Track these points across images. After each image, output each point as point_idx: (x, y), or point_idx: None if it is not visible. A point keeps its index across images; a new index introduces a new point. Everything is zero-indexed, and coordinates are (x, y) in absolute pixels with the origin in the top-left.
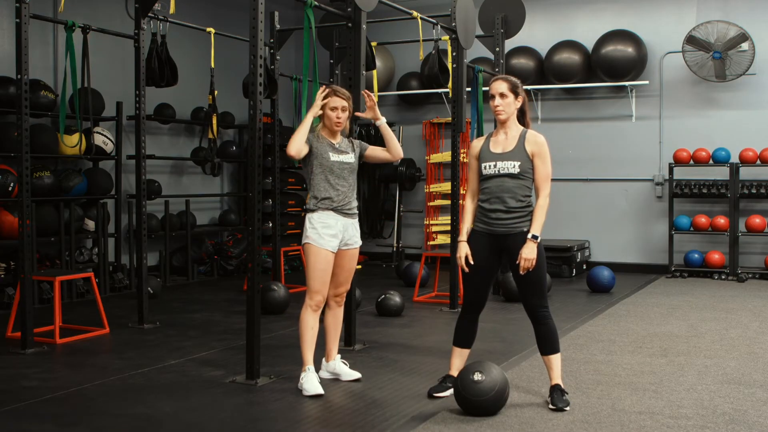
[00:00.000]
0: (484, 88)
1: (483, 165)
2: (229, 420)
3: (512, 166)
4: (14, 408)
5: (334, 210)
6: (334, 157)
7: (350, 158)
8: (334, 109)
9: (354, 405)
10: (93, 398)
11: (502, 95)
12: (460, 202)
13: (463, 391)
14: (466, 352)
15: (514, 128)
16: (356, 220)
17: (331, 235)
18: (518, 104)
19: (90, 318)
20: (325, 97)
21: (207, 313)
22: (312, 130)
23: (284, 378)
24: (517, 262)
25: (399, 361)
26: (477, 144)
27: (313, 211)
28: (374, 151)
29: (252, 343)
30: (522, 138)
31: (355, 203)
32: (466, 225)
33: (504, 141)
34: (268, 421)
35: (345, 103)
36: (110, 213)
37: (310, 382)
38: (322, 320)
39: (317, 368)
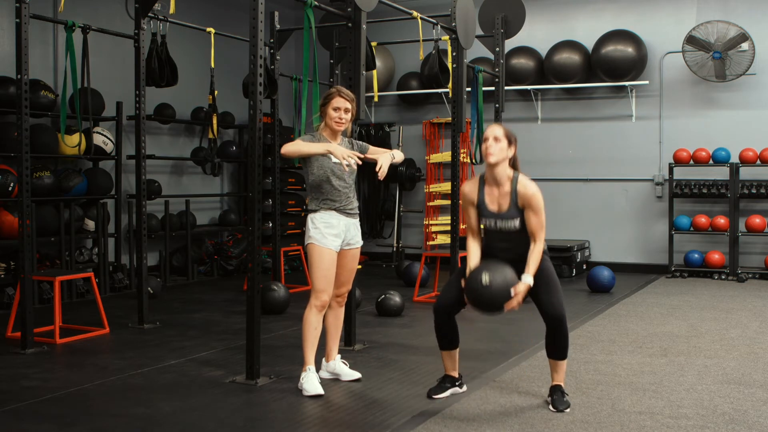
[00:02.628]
0: (485, 88)
1: (483, 220)
2: (228, 420)
3: (512, 225)
4: (14, 408)
5: (337, 210)
6: (335, 158)
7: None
8: (336, 109)
9: (354, 405)
10: (93, 398)
11: (496, 138)
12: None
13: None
14: (455, 351)
15: (505, 178)
16: (357, 219)
17: (334, 234)
18: (510, 153)
19: (90, 318)
20: (328, 97)
21: (207, 313)
22: (313, 129)
23: (284, 378)
24: (506, 307)
25: (399, 361)
26: (472, 191)
27: (315, 211)
28: (375, 153)
29: (252, 343)
30: (514, 194)
31: (356, 203)
32: (473, 262)
33: (498, 197)
34: (267, 421)
35: (348, 105)
36: (110, 213)
37: (311, 383)
38: (323, 319)
39: (317, 368)
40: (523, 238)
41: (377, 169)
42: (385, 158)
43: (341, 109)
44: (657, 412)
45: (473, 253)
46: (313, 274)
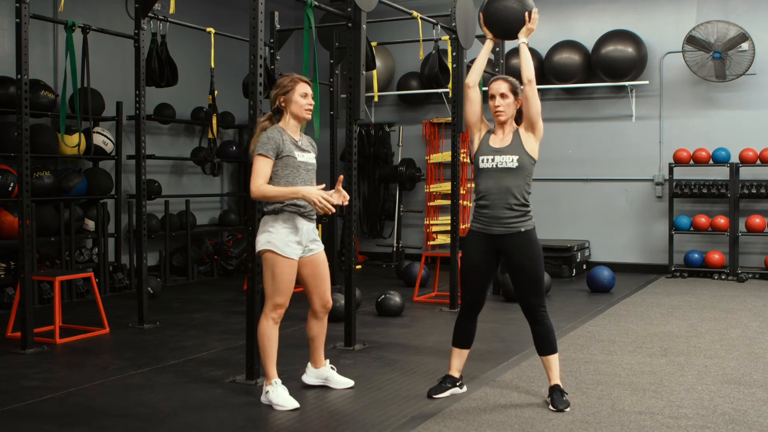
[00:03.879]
0: (484, 88)
1: (480, 158)
2: (228, 420)
3: (510, 161)
4: (14, 408)
5: (301, 215)
6: (299, 156)
7: (312, 158)
8: (304, 95)
9: (354, 405)
10: (93, 398)
11: (503, 95)
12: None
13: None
14: (465, 352)
15: (511, 127)
16: (315, 224)
17: (296, 242)
18: (517, 105)
19: (90, 318)
20: (290, 83)
21: (207, 313)
22: (272, 122)
23: (284, 378)
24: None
25: (399, 361)
26: (480, 130)
27: (276, 213)
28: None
29: (252, 343)
30: (517, 132)
31: None
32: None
33: (502, 138)
34: (268, 421)
35: (310, 89)
36: (110, 213)
37: (282, 397)
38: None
39: (301, 373)
40: (515, 187)
41: (340, 195)
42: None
43: (309, 94)
44: (657, 412)
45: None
46: (273, 286)
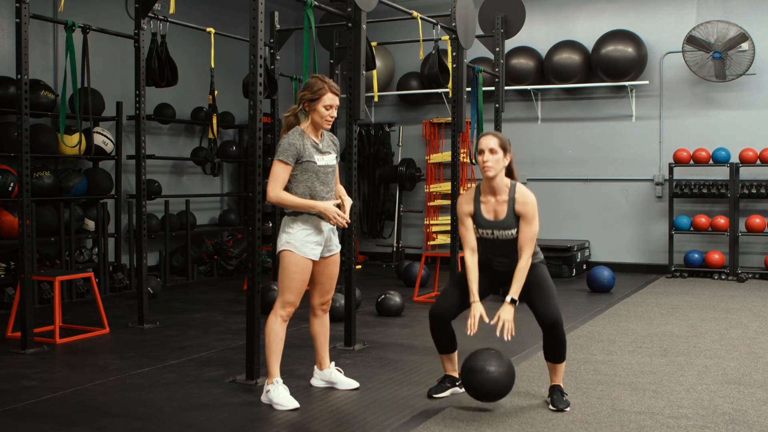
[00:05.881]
0: (485, 88)
1: (480, 231)
2: (229, 420)
3: (509, 234)
4: (14, 408)
5: (319, 216)
6: (320, 160)
7: (333, 159)
8: (328, 107)
9: (354, 404)
10: (93, 398)
11: (492, 151)
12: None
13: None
14: (453, 354)
15: (503, 187)
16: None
17: (315, 242)
18: (506, 161)
19: (90, 318)
20: (319, 92)
21: (207, 313)
22: (292, 125)
23: (284, 378)
24: (494, 322)
25: (399, 361)
26: (468, 202)
27: (296, 215)
28: (340, 192)
29: (252, 343)
30: (512, 202)
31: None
32: (474, 285)
33: (495, 206)
34: (268, 421)
35: (338, 101)
36: (110, 213)
37: (282, 396)
38: (310, 328)
39: (302, 373)
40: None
41: (343, 204)
42: (348, 202)
43: (333, 107)
44: (657, 412)
45: (472, 270)
46: (286, 285)
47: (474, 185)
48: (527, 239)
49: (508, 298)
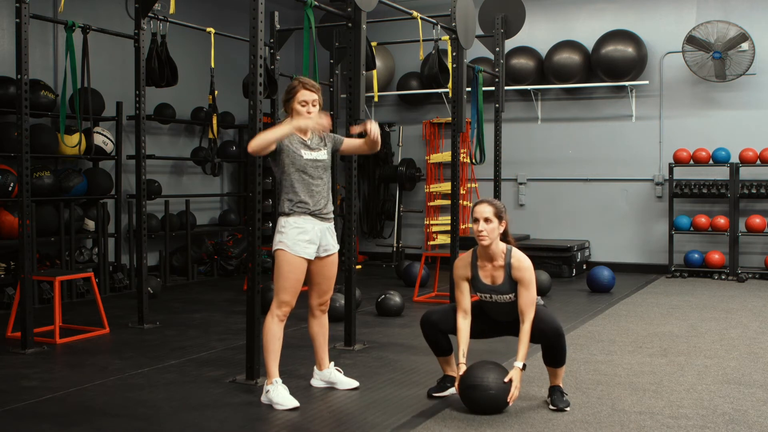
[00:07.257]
0: (485, 88)
1: (479, 294)
2: (228, 420)
3: (508, 298)
4: (14, 408)
5: (311, 215)
6: (306, 154)
7: (323, 155)
8: (304, 103)
9: (354, 405)
10: (93, 398)
11: (487, 220)
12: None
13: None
14: (450, 356)
15: (498, 253)
16: (332, 224)
17: (307, 240)
18: (501, 229)
19: (90, 318)
20: (292, 91)
21: (207, 313)
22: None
23: (284, 378)
24: (509, 399)
25: (399, 361)
26: (465, 267)
27: (287, 214)
28: (351, 143)
29: (252, 343)
30: (508, 268)
31: (331, 206)
32: (463, 347)
33: (492, 271)
34: (268, 421)
35: (315, 96)
36: (110, 213)
37: (282, 396)
38: (309, 329)
39: (302, 372)
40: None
41: (368, 129)
42: (370, 123)
43: (308, 102)
44: (657, 412)
45: (462, 332)
46: (280, 284)
47: (470, 251)
48: (527, 304)
49: (519, 364)
